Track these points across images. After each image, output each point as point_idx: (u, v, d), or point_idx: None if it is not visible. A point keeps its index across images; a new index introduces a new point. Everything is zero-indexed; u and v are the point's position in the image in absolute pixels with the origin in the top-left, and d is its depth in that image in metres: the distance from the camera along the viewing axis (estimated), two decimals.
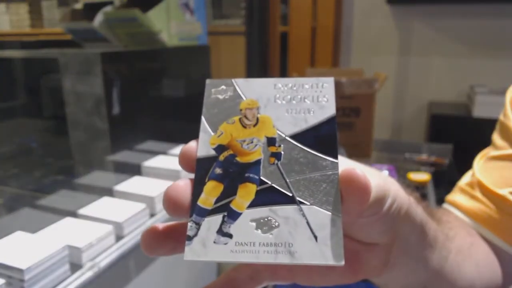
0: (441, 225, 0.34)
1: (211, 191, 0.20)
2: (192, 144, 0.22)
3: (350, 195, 0.20)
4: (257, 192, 0.20)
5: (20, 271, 0.56)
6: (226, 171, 0.21)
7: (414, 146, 1.37)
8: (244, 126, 0.22)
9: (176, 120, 1.20)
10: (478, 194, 0.44)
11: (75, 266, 0.64)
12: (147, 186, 0.85)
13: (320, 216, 0.19)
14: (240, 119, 0.22)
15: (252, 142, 0.21)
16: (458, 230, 0.39)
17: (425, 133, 1.92)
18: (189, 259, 0.19)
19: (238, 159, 0.21)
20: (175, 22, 1.19)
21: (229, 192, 0.20)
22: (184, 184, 0.20)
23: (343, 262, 0.19)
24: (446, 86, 1.97)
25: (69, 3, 2.62)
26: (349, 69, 1.93)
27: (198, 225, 0.20)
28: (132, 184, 0.87)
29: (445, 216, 0.41)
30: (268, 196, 0.20)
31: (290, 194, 0.20)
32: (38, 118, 1.28)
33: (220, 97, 0.23)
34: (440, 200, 0.57)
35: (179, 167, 0.25)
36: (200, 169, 0.21)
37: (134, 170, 0.95)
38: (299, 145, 0.21)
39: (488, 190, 0.43)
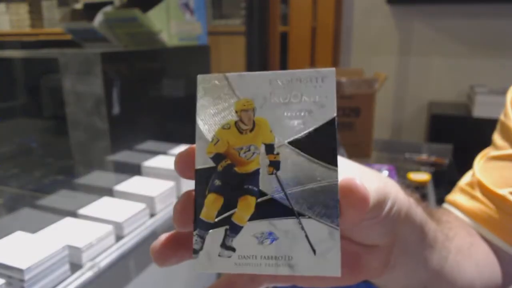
0: (441, 225, 0.34)
1: (212, 204, 0.21)
2: (186, 152, 0.21)
3: (349, 207, 0.20)
4: (257, 205, 0.20)
5: (20, 271, 0.56)
6: (225, 183, 0.21)
7: (414, 146, 1.37)
8: (241, 132, 0.21)
9: (176, 120, 1.20)
10: (478, 194, 0.44)
11: (75, 266, 0.64)
12: (147, 186, 0.85)
13: (319, 229, 0.20)
14: (236, 123, 0.21)
15: (249, 150, 0.21)
16: (458, 230, 0.39)
17: (425, 133, 1.92)
18: (197, 271, 0.20)
19: (236, 169, 0.21)
20: (175, 22, 1.19)
21: (230, 205, 0.21)
22: (191, 198, 0.21)
23: (339, 274, 0.19)
24: (446, 86, 1.97)
25: (69, 3, 2.62)
26: (349, 69, 1.93)
27: (202, 238, 0.20)
28: (132, 184, 0.87)
29: (445, 216, 0.41)
30: (268, 209, 0.20)
31: (289, 207, 0.20)
32: (38, 118, 1.28)
33: (214, 96, 0.22)
34: (440, 200, 0.57)
35: None
36: (200, 181, 0.21)
37: (134, 170, 0.95)
38: (297, 151, 0.21)
39: (488, 190, 0.43)
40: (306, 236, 0.20)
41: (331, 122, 0.21)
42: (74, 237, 0.67)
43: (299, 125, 0.21)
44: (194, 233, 0.20)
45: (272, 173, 0.21)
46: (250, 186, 0.21)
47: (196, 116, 0.22)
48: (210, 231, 0.20)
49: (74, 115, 0.98)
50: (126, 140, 1.02)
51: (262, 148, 0.21)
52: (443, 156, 1.25)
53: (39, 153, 1.23)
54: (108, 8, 1.21)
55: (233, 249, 0.20)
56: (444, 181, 1.09)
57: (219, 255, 0.20)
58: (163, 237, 0.22)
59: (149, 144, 1.08)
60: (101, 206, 0.78)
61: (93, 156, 0.99)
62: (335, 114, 0.21)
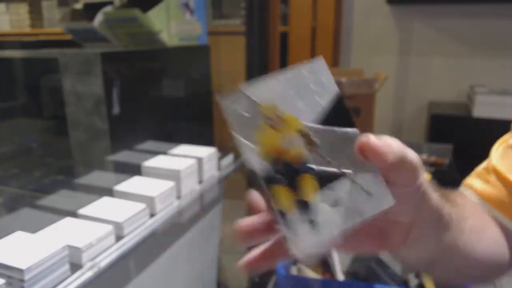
0: (455, 207, 0.36)
1: (281, 195, 0.24)
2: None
3: (370, 157, 0.25)
4: (315, 179, 0.25)
5: (20, 271, 0.56)
6: (284, 174, 0.25)
7: (414, 146, 1.35)
8: (275, 130, 0.25)
9: (176, 120, 1.20)
10: (492, 178, 0.47)
11: (75, 266, 0.64)
12: (147, 186, 0.85)
13: (366, 177, 0.25)
14: (268, 124, 0.25)
15: (289, 141, 0.25)
16: (471, 211, 0.42)
17: (425, 133, 1.92)
18: (299, 255, 0.24)
19: (286, 159, 0.25)
20: (175, 22, 1.19)
21: (294, 188, 0.25)
22: (253, 220, 0.27)
23: (393, 202, 0.25)
24: (446, 86, 1.97)
25: (69, 3, 2.62)
26: (349, 69, 1.93)
27: (288, 226, 0.24)
28: (132, 184, 0.87)
29: (459, 199, 0.44)
30: (323, 179, 0.25)
31: (338, 171, 0.25)
32: (38, 118, 1.28)
33: (239, 109, 0.25)
34: None
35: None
36: (265, 181, 0.24)
37: (134, 170, 0.95)
38: (323, 127, 0.25)
39: (503, 177, 0.45)
40: (360, 186, 0.25)
41: (337, 96, 0.26)
42: (74, 237, 0.67)
43: (316, 107, 0.25)
44: (280, 226, 0.24)
45: (312, 151, 0.25)
46: (302, 167, 0.25)
47: (232, 132, 0.25)
48: (290, 217, 0.24)
49: (74, 115, 0.98)
50: (126, 140, 1.02)
51: (297, 135, 0.25)
52: (443, 156, 1.25)
53: (39, 153, 1.23)
54: (108, 8, 1.21)
55: (315, 222, 0.24)
56: (444, 181, 1.09)
57: (307, 232, 0.24)
58: (255, 253, 0.27)
59: (149, 144, 1.08)
60: (101, 206, 0.78)
61: (93, 156, 0.99)
62: (337, 89, 0.26)
